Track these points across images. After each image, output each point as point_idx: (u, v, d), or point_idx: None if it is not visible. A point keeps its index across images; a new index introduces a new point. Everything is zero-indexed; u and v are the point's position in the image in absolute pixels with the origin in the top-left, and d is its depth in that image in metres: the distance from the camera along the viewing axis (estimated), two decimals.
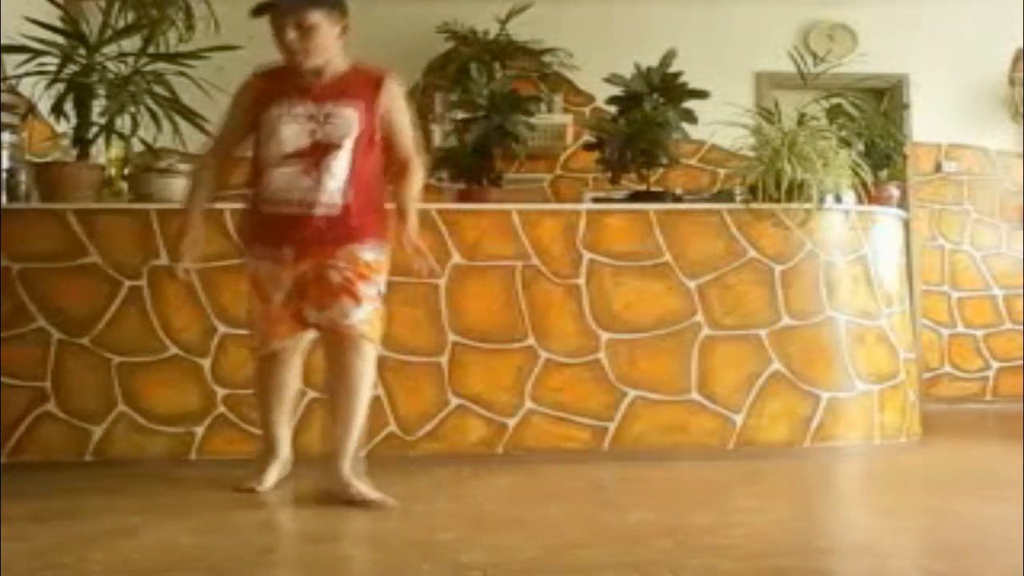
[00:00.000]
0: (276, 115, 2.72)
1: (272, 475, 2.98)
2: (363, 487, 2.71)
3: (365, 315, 2.75)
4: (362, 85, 2.77)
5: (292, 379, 3.03)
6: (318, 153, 2.70)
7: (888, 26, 5.92)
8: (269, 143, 2.74)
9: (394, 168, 2.82)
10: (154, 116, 3.65)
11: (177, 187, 3.72)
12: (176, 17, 4.22)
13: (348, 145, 2.71)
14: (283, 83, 2.76)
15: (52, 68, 3.56)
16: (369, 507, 2.63)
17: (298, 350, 2.98)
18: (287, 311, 2.81)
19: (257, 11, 2.73)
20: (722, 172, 5.59)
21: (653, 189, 4.13)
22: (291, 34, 2.69)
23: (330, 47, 2.74)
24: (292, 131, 2.71)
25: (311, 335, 2.93)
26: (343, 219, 2.72)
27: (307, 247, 2.73)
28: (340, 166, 2.70)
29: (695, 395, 3.64)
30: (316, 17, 2.69)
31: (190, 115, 3.69)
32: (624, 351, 3.63)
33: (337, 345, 2.77)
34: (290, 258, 2.74)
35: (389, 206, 2.82)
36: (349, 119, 2.72)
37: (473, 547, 2.17)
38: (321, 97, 2.73)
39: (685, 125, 4.00)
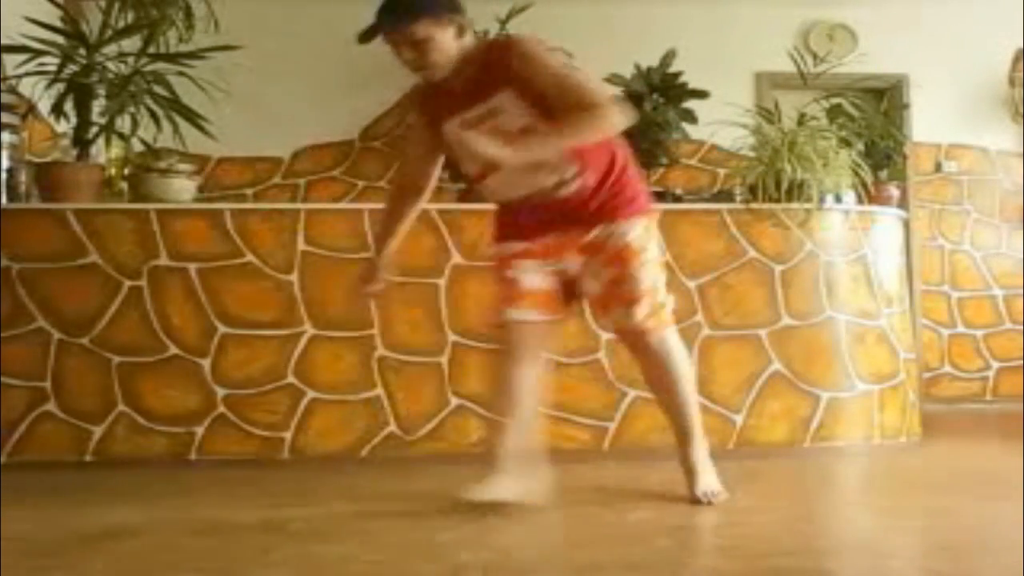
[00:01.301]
0: (453, 130, 2.52)
1: (501, 487, 2.53)
2: (709, 481, 2.66)
3: (655, 315, 2.60)
4: (498, 68, 2.47)
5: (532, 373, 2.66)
6: (515, 143, 2.43)
7: (888, 26, 5.92)
8: (463, 161, 2.59)
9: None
10: (154, 116, 3.65)
11: (177, 187, 3.73)
12: (176, 17, 4.23)
13: (534, 121, 2.45)
14: (437, 97, 2.58)
15: (52, 68, 3.56)
16: (710, 505, 2.60)
17: (543, 337, 2.66)
18: (544, 286, 2.59)
19: (364, 37, 2.53)
20: (722, 172, 5.59)
21: (653, 189, 4.12)
22: (407, 54, 2.47)
23: (453, 52, 2.47)
24: (478, 135, 2.43)
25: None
26: (584, 197, 2.53)
27: (558, 228, 2.55)
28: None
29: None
30: (423, 30, 2.42)
31: (190, 115, 3.69)
32: (624, 351, 3.61)
33: (634, 347, 2.67)
34: (542, 241, 2.57)
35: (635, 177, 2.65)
36: (514, 100, 2.46)
37: (473, 547, 2.17)
38: (475, 97, 2.50)
39: (685, 125, 4.01)
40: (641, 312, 2.58)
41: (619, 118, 2.45)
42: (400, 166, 2.86)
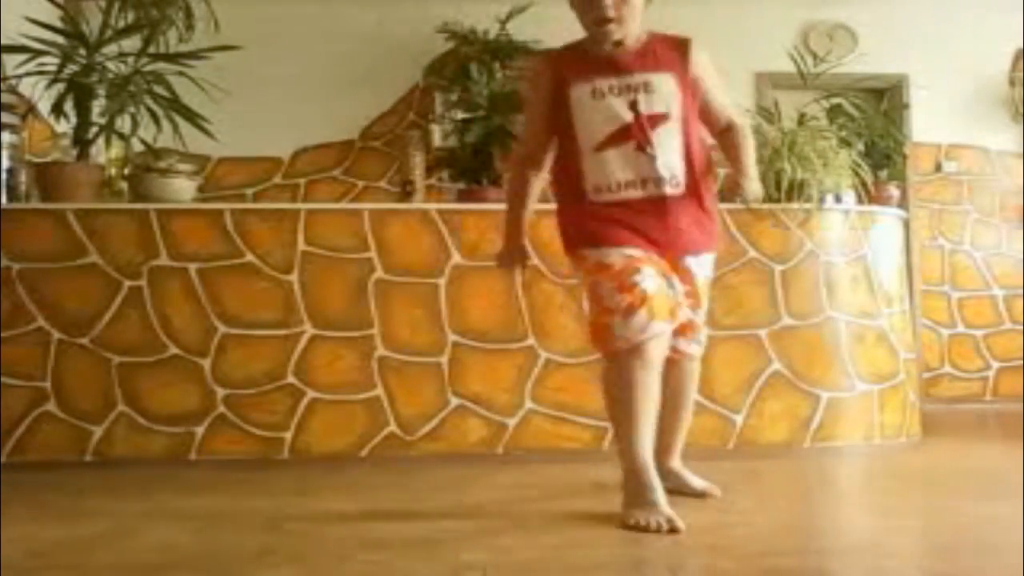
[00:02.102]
0: (587, 93, 2.45)
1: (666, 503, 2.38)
2: (693, 477, 2.78)
3: (702, 343, 2.74)
4: (669, 52, 2.51)
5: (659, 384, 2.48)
6: (645, 126, 2.42)
7: (888, 26, 5.92)
8: (586, 126, 2.46)
9: (720, 137, 2.61)
10: (154, 116, 3.65)
11: (177, 187, 3.72)
12: (176, 17, 4.23)
13: (675, 116, 2.44)
14: (582, 59, 2.49)
15: (52, 68, 3.56)
16: (700, 497, 2.70)
17: (666, 346, 2.49)
18: (663, 290, 2.43)
19: None
20: (722, 172, 5.58)
21: None
22: (606, 3, 2.40)
23: (639, 15, 2.48)
24: (612, 107, 2.43)
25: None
26: (689, 200, 2.48)
27: (656, 240, 2.46)
28: (672, 141, 2.44)
29: (695, 395, 3.63)
30: None
31: (190, 115, 3.69)
32: None
33: (672, 368, 2.60)
34: (652, 243, 2.46)
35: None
36: (670, 88, 2.45)
37: (473, 547, 2.17)
38: (632, 66, 2.45)
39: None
40: (703, 342, 2.74)
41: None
42: (521, 143, 2.75)
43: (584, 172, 2.47)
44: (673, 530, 2.22)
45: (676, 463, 2.84)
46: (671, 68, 2.48)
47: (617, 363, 2.42)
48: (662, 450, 2.70)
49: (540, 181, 2.69)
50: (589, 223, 2.48)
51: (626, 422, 2.42)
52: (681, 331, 2.61)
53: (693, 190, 2.49)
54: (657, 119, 2.43)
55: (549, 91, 2.52)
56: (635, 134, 2.42)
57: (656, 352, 2.41)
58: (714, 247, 2.64)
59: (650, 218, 2.45)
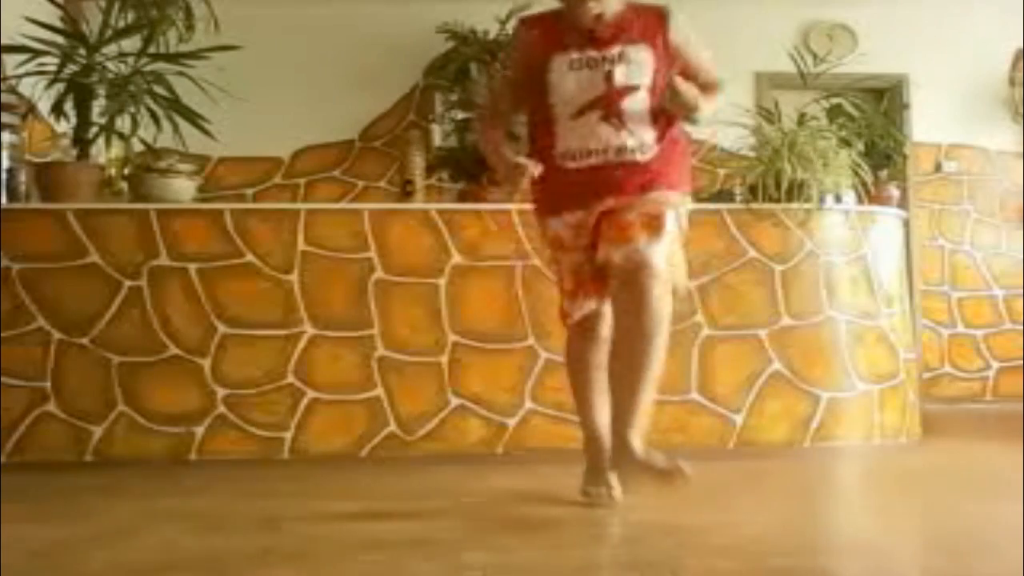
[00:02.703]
0: (564, 63, 2.52)
1: (614, 475, 2.56)
2: (658, 456, 2.39)
3: (663, 250, 2.48)
4: (647, 23, 2.58)
5: (604, 358, 2.57)
6: (617, 97, 2.51)
7: (888, 26, 5.92)
8: (560, 94, 2.53)
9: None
10: (154, 116, 3.65)
11: (177, 187, 3.73)
12: (176, 17, 4.23)
13: (646, 85, 2.52)
14: (561, 29, 2.56)
15: (52, 68, 3.56)
16: (666, 480, 2.36)
17: (607, 322, 2.61)
18: (595, 266, 2.55)
19: None
20: (722, 172, 5.59)
21: None
22: None
23: None
24: (586, 77, 2.51)
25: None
26: (651, 165, 2.54)
27: (614, 193, 2.51)
28: (642, 109, 2.52)
29: (695, 395, 3.63)
30: None
31: (190, 115, 3.69)
32: None
33: (631, 278, 2.43)
34: (596, 208, 2.53)
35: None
36: (644, 59, 2.53)
37: (473, 547, 2.17)
38: (610, 39, 2.53)
39: (686, 125, 4.00)
40: (654, 249, 2.46)
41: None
42: (491, 116, 2.78)
43: (556, 139, 2.57)
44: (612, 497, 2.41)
45: (634, 438, 2.42)
46: (647, 39, 2.56)
47: (571, 337, 2.73)
48: (615, 418, 2.48)
49: (502, 137, 2.77)
50: (554, 189, 2.58)
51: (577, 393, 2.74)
52: (624, 235, 2.48)
53: (664, 155, 2.57)
54: (630, 89, 2.52)
55: (526, 57, 2.60)
56: (606, 104, 2.51)
57: (598, 326, 2.63)
58: (681, 189, 2.63)
59: (616, 180, 2.52)
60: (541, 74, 2.56)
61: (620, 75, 2.52)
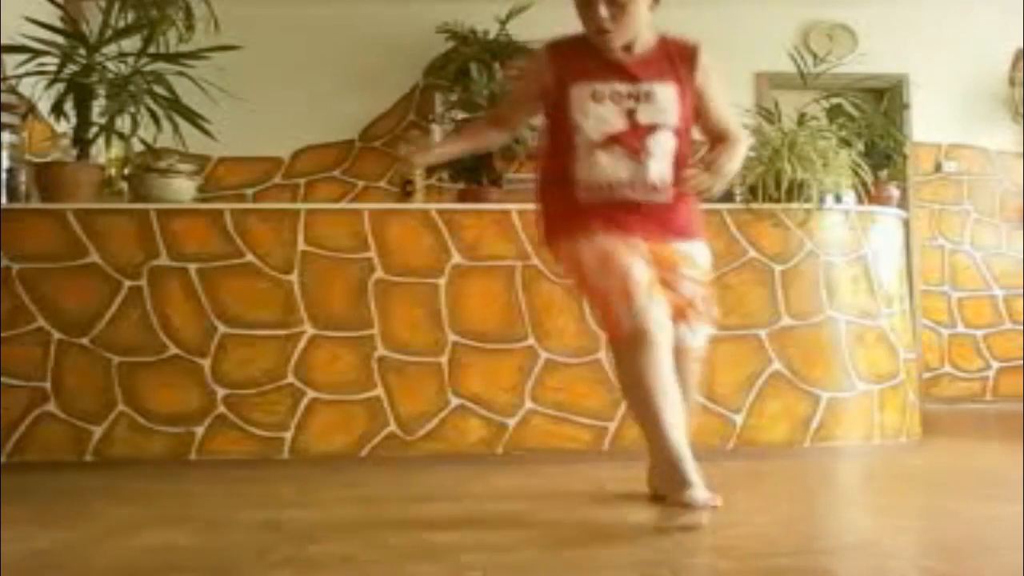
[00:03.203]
0: (587, 92, 2.46)
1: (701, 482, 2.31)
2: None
3: (707, 335, 2.63)
4: (676, 60, 2.52)
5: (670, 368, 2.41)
6: (640, 135, 2.45)
7: (888, 26, 5.92)
8: (581, 123, 2.46)
9: (713, 144, 2.60)
10: (154, 116, 3.65)
11: (177, 187, 3.73)
12: (176, 17, 4.23)
13: (671, 126, 2.47)
14: (588, 57, 2.49)
15: (52, 68, 3.56)
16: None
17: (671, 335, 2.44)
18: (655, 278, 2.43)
19: None
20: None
21: None
22: (603, 10, 2.40)
23: (642, 21, 2.48)
24: (609, 110, 2.45)
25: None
26: (674, 208, 2.50)
27: (642, 232, 2.46)
28: (664, 149, 2.46)
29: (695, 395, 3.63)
30: None
31: (190, 115, 3.69)
32: None
33: (677, 358, 2.50)
34: (634, 237, 2.45)
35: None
36: (670, 98, 2.47)
37: (473, 548, 2.17)
38: (637, 74, 2.47)
39: None
40: (702, 335, 2.64)
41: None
42: (500, 107, 2.82)
43: (578, 168, 2.50)
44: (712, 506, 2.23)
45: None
46: (675, 78, 2.50)
47: (626, 347, 2.38)
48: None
49: (495, 141, 2.84)
50: (581, 216, 2.48)
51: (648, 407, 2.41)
52: (679, 315, 2.52)
53: (679, 198, 2.53)
54: (654, 128, 2.46)
55: (548, 83, 2.54)
56: (630, 141, 2.45)
57: (662, 333, 2.37)
58: (701, 239, 2.64)
59: (639, 218, 2.48)
60: (561, 100, 2.50)
61: (645, 113, 2.46)
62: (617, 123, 2.45)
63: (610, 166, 2.47)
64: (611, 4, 2.41)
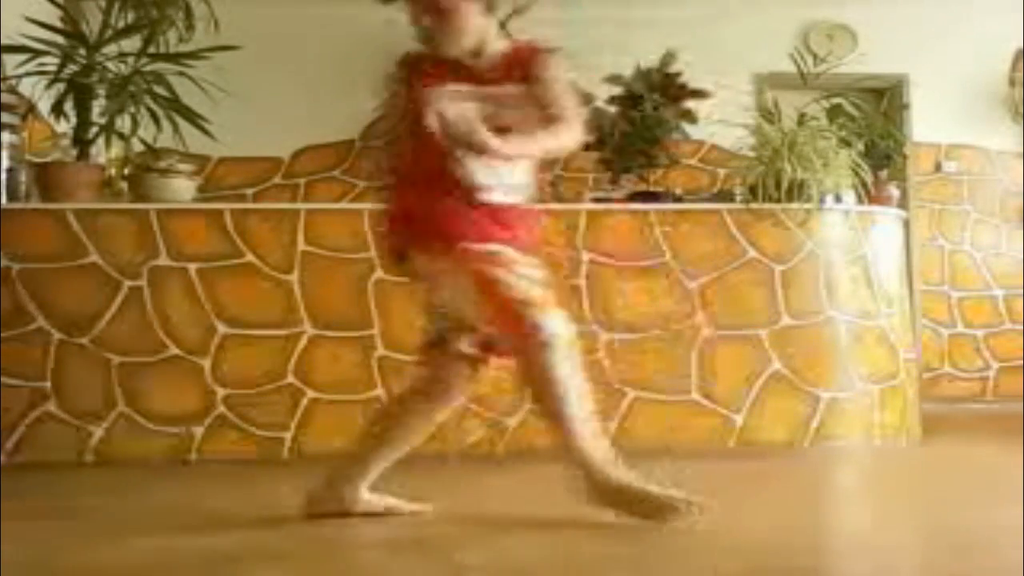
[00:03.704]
0: (439, 97, 2.42)
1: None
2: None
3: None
4: (522, 62, 2.50)
5: None
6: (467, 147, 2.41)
7: (888, 26, 5.92)
8: (435, 128, 2.41)
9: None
10: (154, 116, 3.65)
11: (177, 187, 3.73)
12: (176, 17, 4.23)
13: (522, 125, 2.44)
14: (442, 66, 2.48)
15: (52, 68, 3.56)
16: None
17: None
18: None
19: None
20: (722, 172, 5.59)
21: (653, 189, 4.14)
22: (425, 19, 2.43)
23: (473, 28, 2.45)
24: (461, 113, 2.40)
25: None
26: (518, 210, 2.49)
27: (484, 236, 2.43)
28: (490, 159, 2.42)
29: (695, 395, 3.63)
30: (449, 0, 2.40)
31: (190, 115, 3.69)
32: (624, 351, 3.62)
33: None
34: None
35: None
36: (518, 97, 2.46)
37: (473, 547, 2.17)
38: (483, 79, 2.46)
39: (685, 125, 4.01)
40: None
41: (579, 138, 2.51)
42: (382, 129, 2.76)
43: (424, 170, 2.46)
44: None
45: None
46: (522, 79, 2.47)
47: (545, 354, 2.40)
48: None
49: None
50: (470, 217, 2.44)
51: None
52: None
53: (527, 200, 2.51)
54: (503, 131, 2.39)
55: (407, 86, 2.50)
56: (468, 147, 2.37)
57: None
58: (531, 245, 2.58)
59: (509, 222, 2.46)
60: (415, 104, 2.47)
61: (492, 116, 2.41)
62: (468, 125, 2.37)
63: (478, 170, 2.44)
64: (434, 13, 2.41)
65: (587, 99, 2.52)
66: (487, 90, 2.46)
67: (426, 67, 2.51)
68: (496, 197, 2.45)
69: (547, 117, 2.49)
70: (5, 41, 3.57)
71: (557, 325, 2.37)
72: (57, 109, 3.60)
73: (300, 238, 3.55)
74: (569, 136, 2.48)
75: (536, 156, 2.50)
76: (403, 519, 2.53)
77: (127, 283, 3.48)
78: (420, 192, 2.48)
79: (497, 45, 2.53)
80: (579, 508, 2.66)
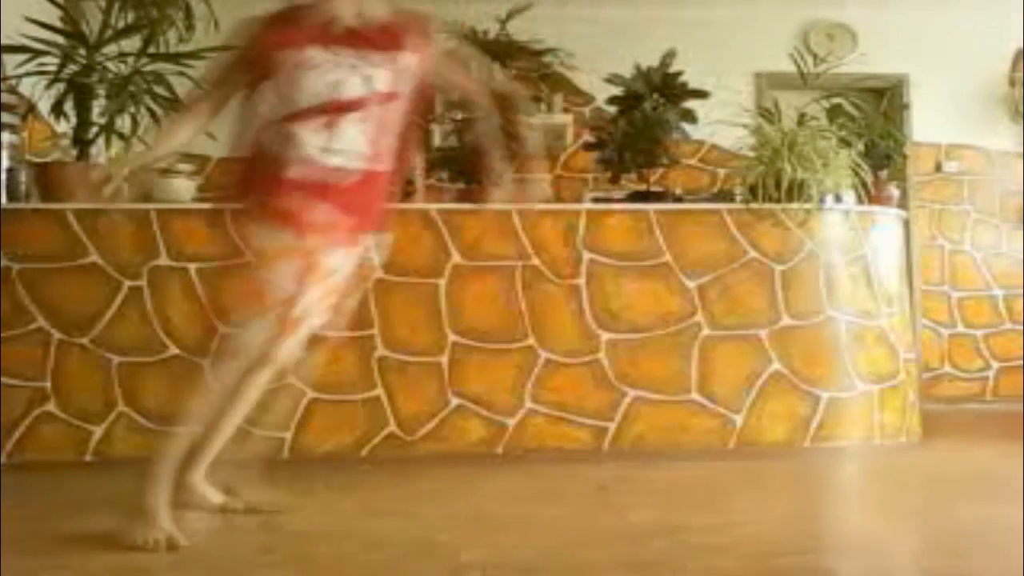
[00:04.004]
0: (307, 59, 2.36)
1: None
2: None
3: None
4: (402, 31, 2.45)
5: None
6: (366, 104, 2.39)
7: (888, 26, 5.92)
8: (297, 93, 2.37)
9: (469, 112, 2.60)
10: (154, 116, 3.65)
11: (177, 187, 3.72)
12: (176, 17, 4.22)
13: (396, 93, 2.43)
14: (310, 26, 2.39)
15: (52, 68, 3.56)
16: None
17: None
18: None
19: None
20: (722, 172, 5.59)
21: (653, 189, 4.13)
22: None
23: None
24: (330, 79, 2.36)
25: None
26: (382, 184, 2.47)
27: (348, 213, 2.42)
28: (387, 119, 2.43)
29: (695, 395, 3.64)
30: None
31: None
32: (624, 351, 3.62)
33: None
34: (329, 226, 2.40)
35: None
36: (405, 65, 2.43)
37: (473, 547, 2.17)
38: (359, 44, 2.39)
39: (685, 125, 4.01)
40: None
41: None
42: (204, 92, 2.63)
43: (286, 142, 2.39)
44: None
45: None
46: (398, 47, 2.42)
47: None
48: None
49: (198, 127, 2.63)
50: (280, 200, 2.39)
51: None
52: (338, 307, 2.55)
53: (389, 171, 2.48)
54: (385, 97, 2.41)
55: (260, 53, 2.42)
56: (350, 109, 2.37)
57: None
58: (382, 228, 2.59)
59: (337, 197, 2.40)
60: (277, 70, 2.39)
61: (375, 80, 2.39)
62: (338, 90, 2.37)
63: (321, 137, 2.38)
64: None
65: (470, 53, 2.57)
66: (363, 57, 2.38)
67: (294, 26, 2.40)
68: (349, 166, 2.39)
69: (471, 99, 2.58)
70: (5, 41, 3.56)
71: (255, 338, 2.39)
72: (57, 109, 3.60)
73: None
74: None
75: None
76: (406, 518, 2.52)
77: (127, 283, 3.48)
78: (255, 164, 2.46)
79: (375, 11, 2.45)
80: (579, 508, 2.66)
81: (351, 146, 2.40)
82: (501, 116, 2.56)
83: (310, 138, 2.37)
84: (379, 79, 2.41)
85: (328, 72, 2.37)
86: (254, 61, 2.44)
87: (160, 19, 3.95)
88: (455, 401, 3.56)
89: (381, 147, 2.45)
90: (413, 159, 2.56)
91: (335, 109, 2.37)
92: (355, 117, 2.39)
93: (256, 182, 2.45)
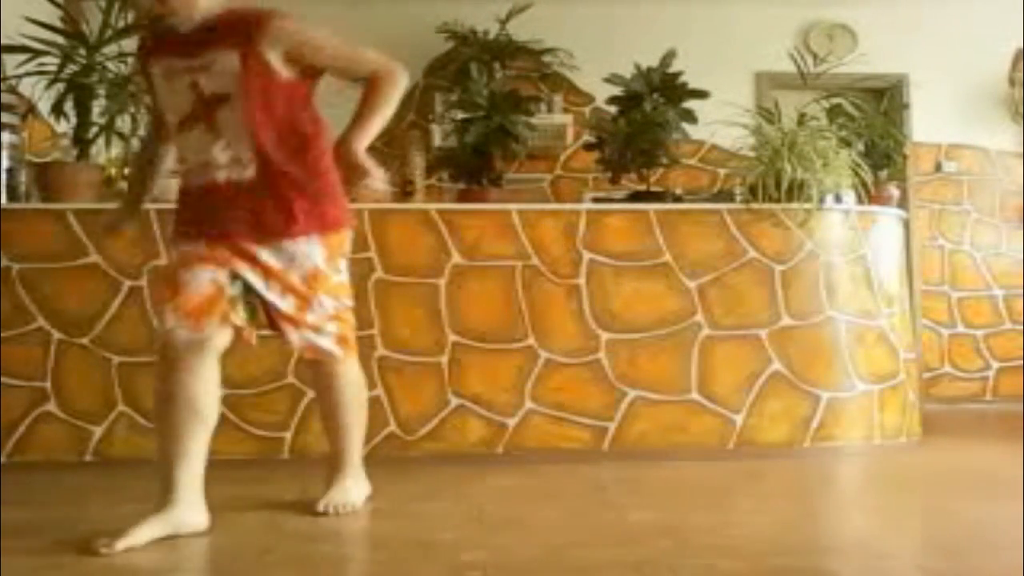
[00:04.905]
0: (163, 73, 2.40)
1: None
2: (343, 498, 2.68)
3: (327, 337, 2.53)
4: (236, 27, 2.37)
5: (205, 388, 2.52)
6: (208, 108, 2.35)
7: (888, 26, 5.92)
8: (168, 107, 2.42)
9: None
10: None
11: (177, 187, 3.71)
12: None
13: (236, 93, 2.34)
14: (165, 39, 2.41)
15: (52, 68, 3.56)
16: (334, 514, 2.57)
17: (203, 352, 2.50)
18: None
19: None
20: (722, 172, 5.60)
21: (653, 189, 4.13)
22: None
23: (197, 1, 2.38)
24: (178, 87, 2.37)
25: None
26: (260, 185, 2.37)
27: (224, 224, 2.39)
28: (235, 119, 2.34)
29: (695, 395, 3.64)
30: None
31: None
32: (624, 351, 3.63)
33: (313, 374, 2.73)
34: (211, 235, 2.40)
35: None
36: (230, 64, 2.33)
37: (473, 547, 2.17)
38: (196, 45, 2.35)
39: (685, 125, 4.00)
40: (328, 336, 2.53)
41: (405, 79, 2.45)
42: (153, 121, 2.70)
43: (177, 154, 2.52)
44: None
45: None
46: (234, 45, 2.35)
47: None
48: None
49: (164, 154, 2.70)
50: (180, 214, 2.52)
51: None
52: (297, 323, 2.47)
53: (265, 174, 2.38)
54: (218, 99, 2.36)
55: (142, 71, 2.51)
56: (200, 116, 2.36)
57: (187, 355, 2.42)
58: (303, 232, 2.41)
59: (216, 207, 2.40)
60: (151, 86, 2.46)
61: (206, 84, 2.34)
62: (187, 98, 2.36)
63: (192, 147, 2.41)
64: None
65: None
66: (201, 59, 2.35)
67: (155, 41, 2.45)
68: (219, 177, 2.39)
69: (366, 81, 2.43)
70: (5, 41, 3.56)
71: (180, 335, 2.40)
72: (57, 109, 3.60)
73: None
74: (394, 89, 2.41)
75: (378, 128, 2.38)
76: (406, 518, 2.52)
77: (127, 283, 3.48)
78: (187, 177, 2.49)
79: (213, 10, 2.41)
80: (579, 508, 2.66)
81: (203, 156, 2.40)
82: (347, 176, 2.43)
83: (182, 150, 2.49)
84: (206, 83, 2.36)
85: (174, 82, 2.39)
86: (145, 79, 2.54)
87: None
88: (455, 401, 3.56)
89: (241, 151, 2.37)
90: (310, 159, 2.43)
91: (185, 120, 2.40)
92: (201, 126, 2.38)
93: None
